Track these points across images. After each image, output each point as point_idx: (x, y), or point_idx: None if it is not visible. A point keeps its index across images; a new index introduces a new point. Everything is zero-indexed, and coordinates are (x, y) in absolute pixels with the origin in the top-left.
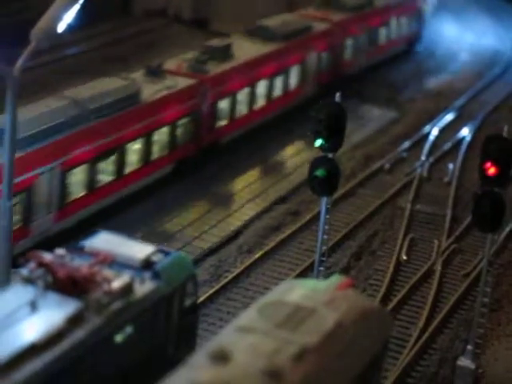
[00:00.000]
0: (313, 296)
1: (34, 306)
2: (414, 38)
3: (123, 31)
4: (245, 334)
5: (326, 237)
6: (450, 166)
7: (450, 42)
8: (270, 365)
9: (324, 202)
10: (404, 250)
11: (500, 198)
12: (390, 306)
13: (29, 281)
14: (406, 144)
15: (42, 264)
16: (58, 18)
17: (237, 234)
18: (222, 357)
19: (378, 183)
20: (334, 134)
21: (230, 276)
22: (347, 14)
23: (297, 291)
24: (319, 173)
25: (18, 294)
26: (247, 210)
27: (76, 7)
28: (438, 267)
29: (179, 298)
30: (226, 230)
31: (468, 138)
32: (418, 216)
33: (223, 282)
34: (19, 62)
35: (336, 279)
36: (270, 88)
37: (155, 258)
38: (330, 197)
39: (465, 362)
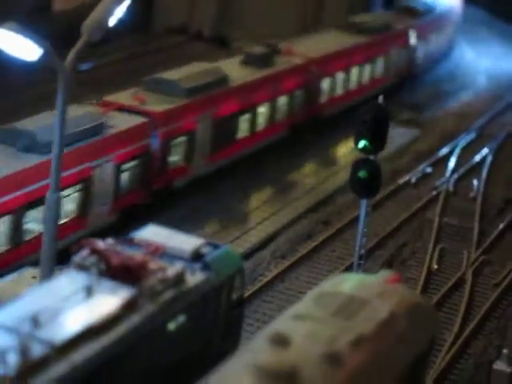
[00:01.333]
0: (364, 288)
1: (89, 292)
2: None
3: (141, 47)
4: (302, 321)
5: (364, 239)
6: (475, 182)
7: (470, 65)
8: (330, 349)
9: (364, 204)
10: (435, 259)
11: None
12: None
13: (83, 267)
14: (431, 161)
15: (95, 251)
16: (109, 11)
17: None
18: (282, 341)
19: (405, 197)
20: (377, 136)
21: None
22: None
23: (348, 283)
24: (361, 174)
25: (73, 279)
26: None
27: (127, 1)
28: (469, 277)
29: (228, 290)
30: None
31: (490, 157)
32: (446, 228)
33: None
34: (71, 55)
35: (384, 274)
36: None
37: (204, 251)
38: (371, 199)
39: (500, 365)
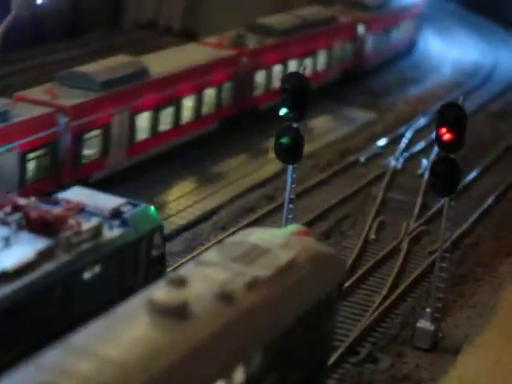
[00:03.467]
0: (270, 239)
1: (7, 242)
2: (350, 67)
3: (111, 41)
4: (202, 267)
5: (291, 205)
6: (424, 160)
7: (435, 55)
8: (223, 289)
9: (290, 170)
10: (373, 230)
11: (455, 163)
12: (355, 277)
13: (4, 222)
14: (383, 141)
15: (16, 207)
16: None
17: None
18: (178, 282)
19: (353, 174)
20: (299, 104)
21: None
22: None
23: (256, 235)
24: (284, 140)
25: None
26: None
27: None
28: (405, 245)
29: (146, 246)
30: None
31: None
32: (390, 203)
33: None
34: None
35: (294, 227)
36: None
37: (124, 209)
38: (295, 165)
39: (424, 323)
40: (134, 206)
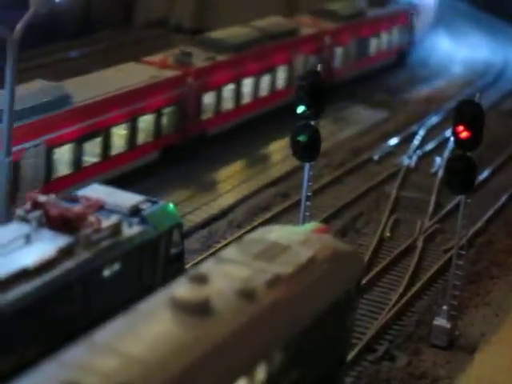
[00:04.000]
0: (289, 236)
1: (28, 239)
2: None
3: (122, 39)
4: (223, 264)
5: (308, 203)
6: (437, 159)
7: (445, 54)
8: (245, 286)
9: (307, 167)
10: (388, 228)
11: (472, 161)
12: (371, 274)
13: (24, 220)
14: (396, 140)
15: (36, 204)
16: None
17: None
18: (200, 279)
19: (367, 173)
20: (316, 102)
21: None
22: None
23: (275, 233)
24: (301, 138)
25: (14, 230)
26: None
27: None
28: (420, 243)
29: (165, 243)
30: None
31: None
32: (403, 201)
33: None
34: (19, 26)
35: (313, 225)
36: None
37: (143, 206)
38: (313, 163)
39: (440, 321)
40: (153, 203)
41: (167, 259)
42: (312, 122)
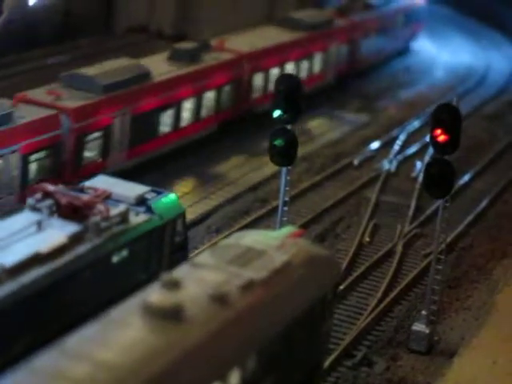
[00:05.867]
0: (264, 241)
1: (39, 227)
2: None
3: (103, 45)
4: (196, 269)
5: (286, 208)
6: (418, 163)
7: (429, 59)
8: (218, 291)
9: (284, 172)
10: (367, 233)
11: (450, 164)
12: (349, 280)
13: (35, 209)
14: (376, 144)
15: (47, 194)
16: None
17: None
18: (173, 284)
19: (347, 177)
20: (292, 106)
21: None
22: None
23: (250, 237)
24: (277, 142)
25: (26, 218)
26: None
27: None
28: (399, 248)
29: (170, 232)
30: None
31: None
32: (383, 206)
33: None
34: None
35: (288, 229)
36: None
37: (148, 196)
38: (289, 168)
39: (419, 326)
40: (158, 193)
41: (172, 247)
42: (288, 127)
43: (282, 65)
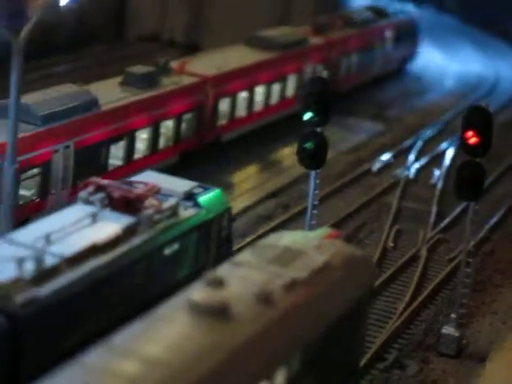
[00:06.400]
0: (302, 241)
1: (94, 219)
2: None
3: (115, 53)
4: (238, 268)
5: (315, 211)
6: (436, 171)
7: (439, 68)
8: (263, 290)
9: (313, 175)
10: (391, 238)
11: (481, 167)
12: (376, 284)
13: (88, 202)
14: (393, 152)
15: (99, 187)
16: None
17: None
18: (217, 282)
19: (366, 184)
20: (323, 109)
21: None
22: None
23: (287, 238)
24: (308, 145)
25: (80, 210)
26: None
27: None
28: (424, 253)
29: (217, 226)
30: None
31: (452, 148)
32: (405, 211)
33: None
34: (24, 32)
35: (324, 231)
36: None
37: (196, 191)
38: (319, 171)
39: (449, 329)
40: (205, 189)
41: (218, 242)
42: (318, 129)
43: (251, 88)
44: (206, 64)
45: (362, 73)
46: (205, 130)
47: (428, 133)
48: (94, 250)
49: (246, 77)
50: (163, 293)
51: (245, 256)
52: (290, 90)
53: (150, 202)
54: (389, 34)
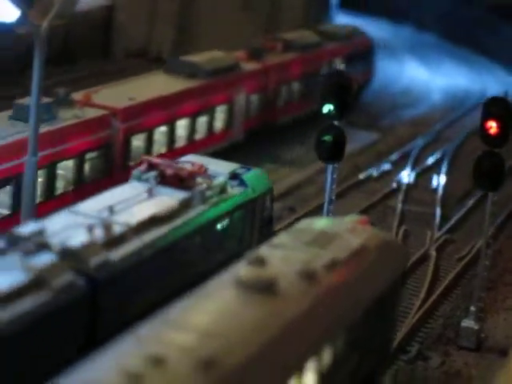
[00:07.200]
0: (336, 225)
1: (150, 193)
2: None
3: (102, 68)
4: (277, 249)
5: (331, 207)
6: (436, 176)
7: (422, 82)
8: (306, 268)
9: (330, 170)
10: (399, 238)
11: (500, 157)
12: None
13: (142, 179)
14: (391, 159)
15: (151, 165)
16: None
17: None
18: (259, 261)
19: (368, 189)
20: (341, 102)
21: None
22: None
23: (321, 222)
24: (327, 138)
25: (135, 187)
26: None
27: None
28: (433, 252)
29: (261, 205)
30: None
31: (449, 155)
32: (409, 214)
33: None
34: (45, 22)
35: (353, 217)
36: None
37: (240, 171)
38: (336, 165)
39: (468, 323)
40: (247, 169)
41: (262, 221)
42: (336, 123)
43: (171, 122)
44: (117, 95)
45: (304, 102)
46: (113, 172)
47: (423, 141)
48: (154, 221)
49: (165, 109)
50: (215, 267)
51: (282, 239)
52: (219, 123)
53: (202, 178)
54: (338, 58)
